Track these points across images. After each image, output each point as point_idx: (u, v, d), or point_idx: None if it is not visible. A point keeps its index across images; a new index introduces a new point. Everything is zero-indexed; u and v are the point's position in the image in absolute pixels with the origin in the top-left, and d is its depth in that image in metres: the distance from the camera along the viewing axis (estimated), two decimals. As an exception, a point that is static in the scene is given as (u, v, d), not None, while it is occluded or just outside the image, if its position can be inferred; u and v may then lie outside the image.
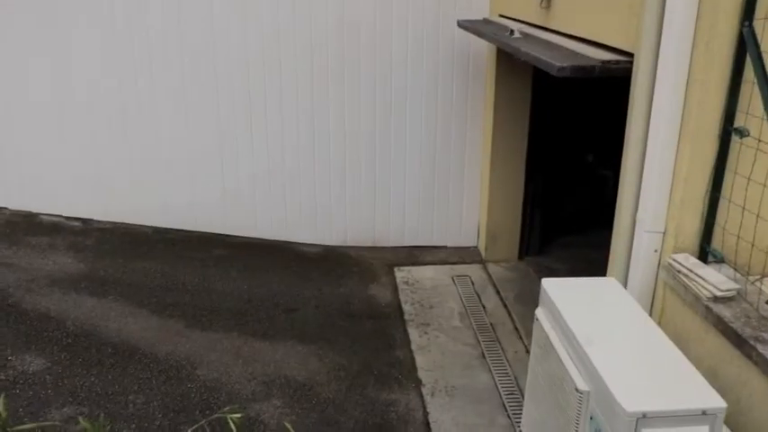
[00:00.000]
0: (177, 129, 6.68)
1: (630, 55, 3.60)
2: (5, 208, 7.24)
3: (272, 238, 6.91)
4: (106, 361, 4.85)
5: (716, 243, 3.27)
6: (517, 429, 4.29)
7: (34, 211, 7.16)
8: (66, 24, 6.46)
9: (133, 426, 4.23)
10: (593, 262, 5.60)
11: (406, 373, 4.89)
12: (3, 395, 2.50)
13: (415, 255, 6.78)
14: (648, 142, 3.40)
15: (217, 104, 6.55)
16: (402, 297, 5.96)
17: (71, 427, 4.15)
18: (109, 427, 4.18)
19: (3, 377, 4.60)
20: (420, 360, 5.05)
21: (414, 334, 5.39)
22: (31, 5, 6.46)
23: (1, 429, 2.20)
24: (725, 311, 2.94)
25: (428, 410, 4.51)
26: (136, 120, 6.69)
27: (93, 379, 4.65)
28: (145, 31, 6.40)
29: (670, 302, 3.37)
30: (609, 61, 3.70)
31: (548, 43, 4.43)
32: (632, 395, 2.56)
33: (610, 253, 3.84)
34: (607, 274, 3.83)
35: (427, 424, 4.39)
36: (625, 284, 3.60)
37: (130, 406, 4.41)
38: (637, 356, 2.90)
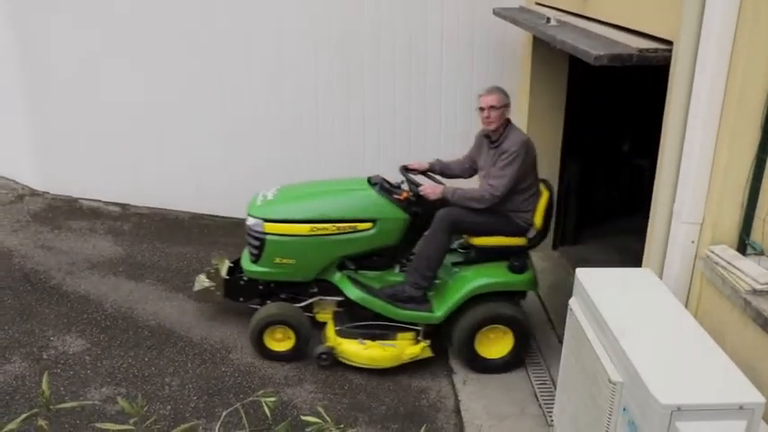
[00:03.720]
0: (212, 116, 6.75)
1: (670, 43, 3.53)
2: (47, 193, 7.40)
3: (306, 225, 6.94)
4: (143, 343, 4.95)
5: (755, 235, 3.20)
6: (549, 419, 4.27)
7: (75, 196, 7.31)
8: (101, 20, 6.57)
9: (169, 407, 4.32)
10: (628, 252, 5.55)
11: (438, 361, 4.89)
12: (46, 374, 2.58)
13: (447, 243, 6.75)
14: (687, 131, 3.33)
15: (250, 91, 6.60)
16: (434, 285, 5.94)
17: (109, 407, 4.26)
18: (146, 408, 4.26)
19: (45, 357, 4.74)
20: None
21: (445, 322, 5.39)
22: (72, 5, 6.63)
23: (45, 407, 2.27)
24: (764, 305, 2.88)
25: (459, 398, 4.51)
26: (171, 107, 6.78)
27: (130, 360, 4.76)
28: (179, 24, 6.48)
29: (707, 294, 3.32)
30: (647, 49, 3.64)
31: (584, 31, 4.37)
32: (667, 387, 2.52)
33: (646, 243, 3.79)
34: (643, 264, 3.78)
35: (458, 412, 4.40)
36: (661, 275, 3.55)
37: (166, 388, 4.51)
38: (672, 348, 2.85)
